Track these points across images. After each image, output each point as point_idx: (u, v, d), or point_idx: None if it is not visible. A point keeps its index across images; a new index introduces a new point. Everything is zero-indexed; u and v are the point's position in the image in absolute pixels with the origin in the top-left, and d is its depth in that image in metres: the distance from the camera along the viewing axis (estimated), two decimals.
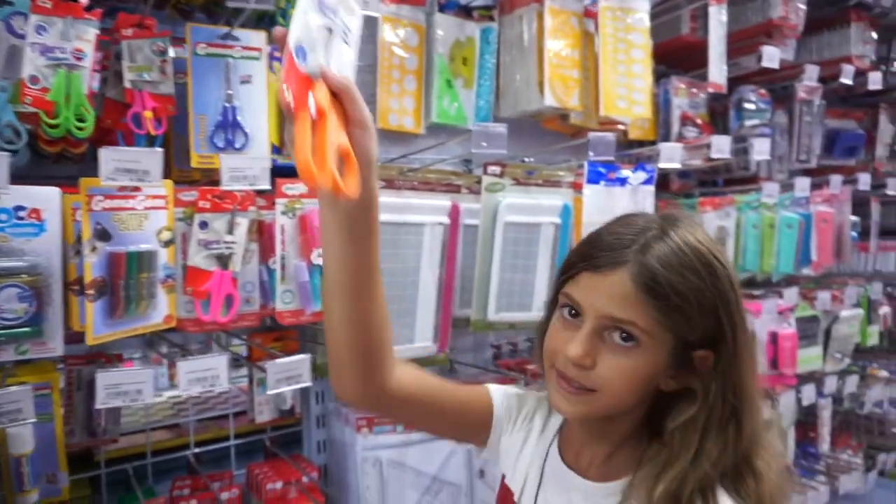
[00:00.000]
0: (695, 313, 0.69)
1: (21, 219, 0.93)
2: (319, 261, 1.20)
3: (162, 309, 1.08)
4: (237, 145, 1.19)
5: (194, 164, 1.14)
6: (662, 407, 0.77)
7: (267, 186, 1.08)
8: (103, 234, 0.96)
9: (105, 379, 0.98)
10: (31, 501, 1.18)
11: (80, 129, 0.98)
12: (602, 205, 1.64)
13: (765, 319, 1.96)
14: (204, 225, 1.15)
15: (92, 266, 0.96)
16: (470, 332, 1.89)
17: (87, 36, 1.00)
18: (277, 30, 0.61)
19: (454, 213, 1.53)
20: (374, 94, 1.58)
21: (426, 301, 1.52)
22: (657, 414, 0.78)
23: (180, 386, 1.08)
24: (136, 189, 0.99)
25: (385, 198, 1.44)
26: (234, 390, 1.76)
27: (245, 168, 1.02)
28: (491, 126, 1.36)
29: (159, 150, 0.95)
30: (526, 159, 1.77)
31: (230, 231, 1.17)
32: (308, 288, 1.20)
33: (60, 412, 1.19)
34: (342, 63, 0.64)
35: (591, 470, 0.82)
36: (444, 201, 1.52)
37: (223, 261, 1.17)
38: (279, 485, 1.45)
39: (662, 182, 2.26)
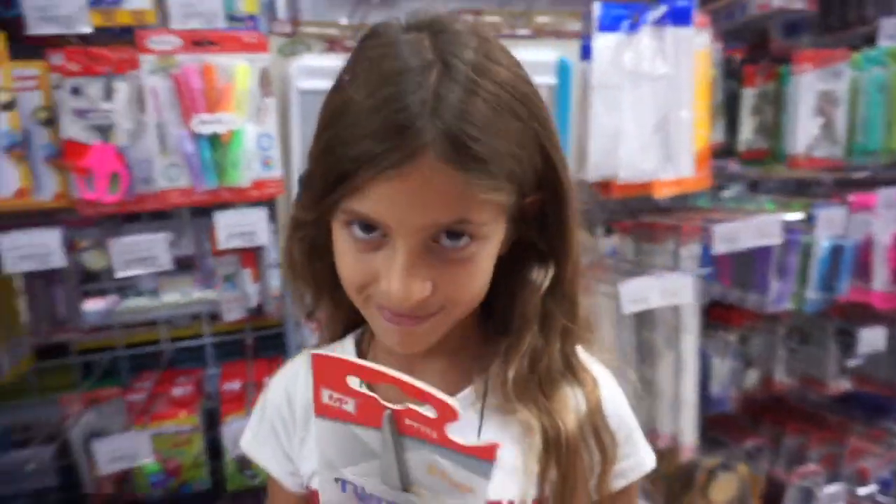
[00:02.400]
0: (525, 162, 0.50)
1: None
2: (203, 128, 1.02)
3: (10, 181, 0.98)
4: None
5: None
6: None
7: (87, 29, 0.91)
8: None
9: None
10: None
11: None
12: (618, 61, 1.25)
13: (885, 218, 1.43)
14: (76, 91, 1.02)
15: None
16: None
17: None
18: None
19: None
20: None
21: None
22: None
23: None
24: None
25: (326, 62, 1.22)
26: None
27: (52, 6, 0.85)
28: None
29: None
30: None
31: (108, 97, 1.03)
32: (196, 161, 1.04)
33: None
34: None
35: (446, 381, 0.59)
36: None
37: (104, 132, 1.04)
38: (236, 385, 1.36)
39: (760, 42, 1.75)
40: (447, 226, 0.47)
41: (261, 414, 0.66)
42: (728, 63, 1.59)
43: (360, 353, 0.64)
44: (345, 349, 0.64)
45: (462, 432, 0.55)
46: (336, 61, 1.27)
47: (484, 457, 0.39)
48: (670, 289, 1.15)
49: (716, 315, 1.84)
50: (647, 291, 1.13)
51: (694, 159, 1.27)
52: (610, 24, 1.25)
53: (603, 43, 1.24)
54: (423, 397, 0.38)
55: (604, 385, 0.60)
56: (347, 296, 0.55)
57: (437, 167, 0.44)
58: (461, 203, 0.46)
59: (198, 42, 1.02)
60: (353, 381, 0.39)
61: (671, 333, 1.62)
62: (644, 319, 1.67)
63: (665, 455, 1.75)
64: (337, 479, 0.42)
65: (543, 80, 1.24)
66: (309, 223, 0.54)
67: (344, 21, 1.37)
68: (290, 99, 1.17)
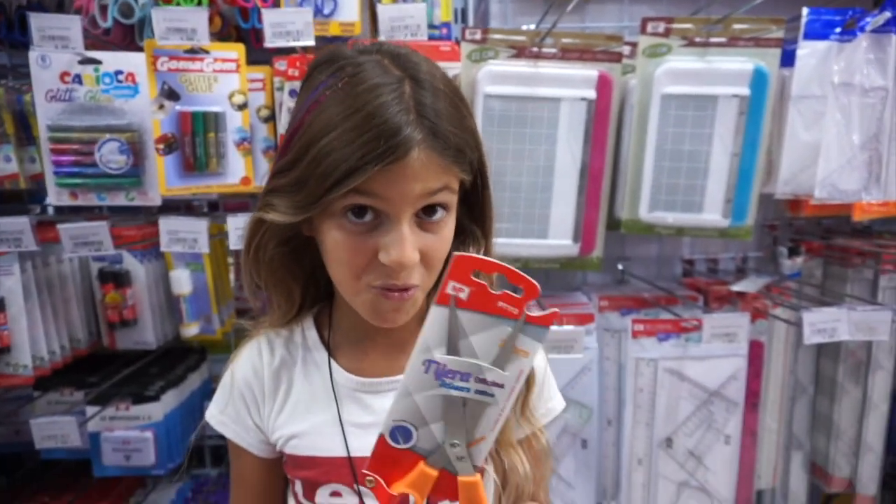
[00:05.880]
0: (471, 144, 0.62)
1: (120, 82, 1.06)
2: None
3: (237, 170, 1.14)
4: (326, 12, 1.15)
5: None
6: None
7: (311, 42, 1.02)
8: (171, 94, 1.04)
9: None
10: (191, 332, 1.43)
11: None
12: (825, 71, 1.15)
13: None
14: (294, 93, 1.16)
15: (161, 123, 1.05)
16: (657, 239, 1.59)
17: None
18: None
19: (602, 85, 1.25)
20: None
21: (563, 192, 1.31)
22: None
23: None
24: (204, 51, 1.04)
25: (511, 67, 1.26)
26: None
27: (286, 23, 0.97)
28: None
29: (204, 8, 0.96)
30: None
31: None
32: None
33: (209, 266, 1.39)
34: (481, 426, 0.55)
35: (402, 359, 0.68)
36: (590, 71, 1.25)
37: None
38: None
39: None
40: (435, 190, 0.59)
41: (228, 390, 0.72)
42: None
43: (321, 337, 0.71)
44: (305, 330, 0.71)
45: None
46: (522, 67, 1.31)
47: (545, 324, 0.50)
48: (864, 323, 1.05)
49: None
50: (834, 323, 1.04)
51: None
52: (818, 32, 1.15)
53: (808, 51, 1.15)
54: (518, 280, 0.49)
55: None
56: (301, 291, 0.68)
57: (426, 156, 0.57)
58: (444, 176, 0.59)
59: None
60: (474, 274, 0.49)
61: (858, 369, 1.47)
62: (825, 348, 1.53)
63: (837, 500, 1.60)
64: (424, 362, 0.51)
65: (733, 91, 1.19)
66: (286, 227, 0.61)
67: (531, 27, 1.40)
68: (476, 102, 1.23)
